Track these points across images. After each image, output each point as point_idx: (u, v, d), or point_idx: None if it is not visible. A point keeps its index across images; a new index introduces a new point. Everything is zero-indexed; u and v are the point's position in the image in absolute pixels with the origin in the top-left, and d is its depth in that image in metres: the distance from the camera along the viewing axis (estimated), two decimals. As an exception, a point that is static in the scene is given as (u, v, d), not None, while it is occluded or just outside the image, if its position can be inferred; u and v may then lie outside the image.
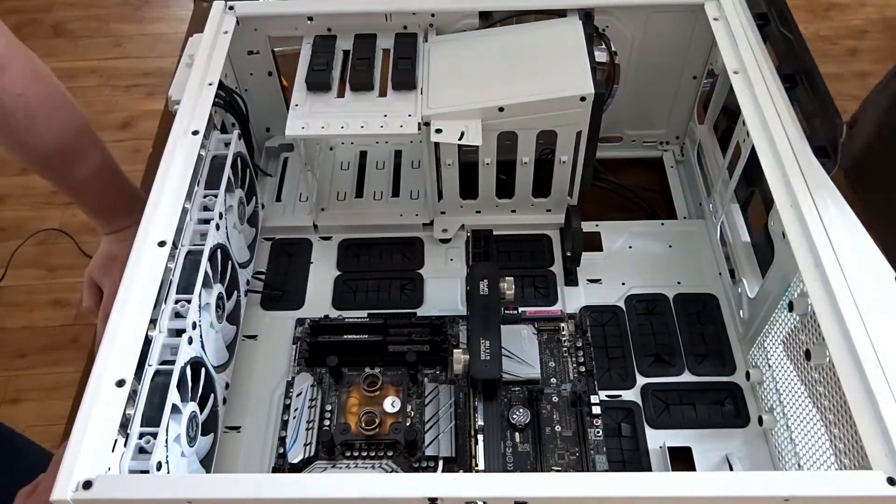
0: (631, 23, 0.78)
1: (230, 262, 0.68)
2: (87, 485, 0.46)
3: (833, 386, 0.52)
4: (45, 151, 0.73)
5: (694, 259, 0.79)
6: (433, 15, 0.78)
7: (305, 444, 0.64)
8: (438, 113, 0.71)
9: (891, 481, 0.44)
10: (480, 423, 0.63)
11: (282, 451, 0.65)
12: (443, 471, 0.62)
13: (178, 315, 0.58)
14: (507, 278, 0.68)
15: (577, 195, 0.80)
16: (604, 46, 0.78)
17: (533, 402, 0.67)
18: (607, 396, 0.69)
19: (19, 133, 0.69)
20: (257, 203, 0.80)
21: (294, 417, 0.66)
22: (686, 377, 0.70)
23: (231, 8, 0.78)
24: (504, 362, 0.64)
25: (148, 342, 0.54)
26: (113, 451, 0.48)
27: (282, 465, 0.64)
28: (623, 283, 0.77)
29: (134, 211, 0.72)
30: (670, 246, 0.80)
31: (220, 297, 0.65)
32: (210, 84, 0.71)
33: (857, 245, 0.55)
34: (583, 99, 0.70)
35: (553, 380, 0.69)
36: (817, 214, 0.57)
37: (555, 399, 0.67)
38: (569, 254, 0.77)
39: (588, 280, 0.77)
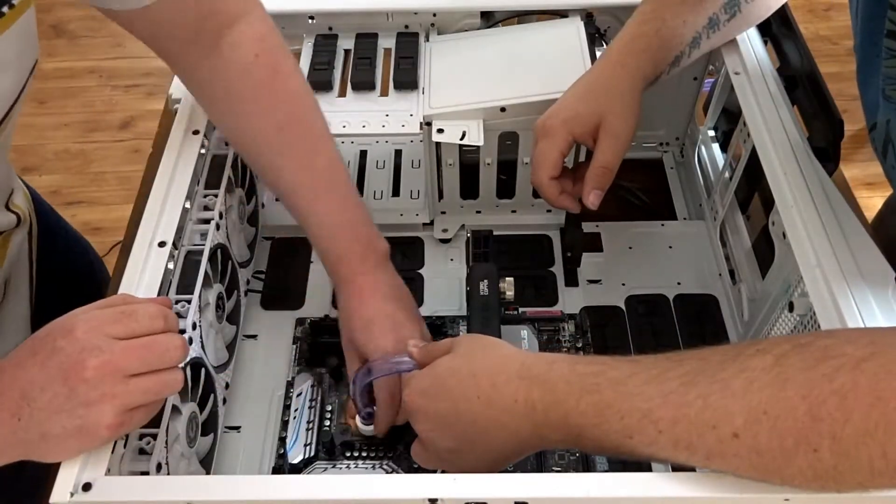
0: (631, 23, 0.78)
1: (230, 262, 0.68)
2: (87, 486, 0.45)
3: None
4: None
5: (694, 260, 0.79)
6: (435, 14, 0.78)
7: (306, 445, 0.64)
8: (440, 113, 0.71)
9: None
10: (480, 423, 0.63)
11: (282, 451, 0.65)
12: (443, 471, 0.62)
13: (178, 315, 0.58)
14: (507, 278, 0.68)
15: (577, 195, 0.80)
16: (604, 47, 0.78)
17: (533, 403, 0.67)
18: (607, 397, 0.69)
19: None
20: (258, 202, 0.79)
21: (294, 418, 0.66)
22: (686, 378, 0.70)
23: (231, 8, 0.78)
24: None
25: (148, 342, 0.54)
26: (112, 452, 0.48)
27: (282, 466, 0.64)
28: (623, 284, 0.77)
29: (367, 258, 0.65)
30: (670, 246, 0.80)
31: (220, 297, 0.65)
32: (210, 84, 0.71)
33: (857, 245, 0.55)
34: (583, 99, 0.70)
35: (553, 380, 0.69)
36: (817, 215, 0.57)
37: (555, 399, 0.67)
38: (569, 254, 0.77)
39: (588, 280, 0.77)
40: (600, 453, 0.46)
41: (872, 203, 1.53)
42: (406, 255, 0.80)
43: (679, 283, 0.76)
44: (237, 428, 0.67)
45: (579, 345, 0.71)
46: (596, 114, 0.64)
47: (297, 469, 0.63)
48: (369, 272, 0.64)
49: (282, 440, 0.65)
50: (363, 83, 0.74)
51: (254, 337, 0.74)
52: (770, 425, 0.40)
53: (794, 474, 0.40)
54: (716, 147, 0.82)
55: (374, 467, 0.63)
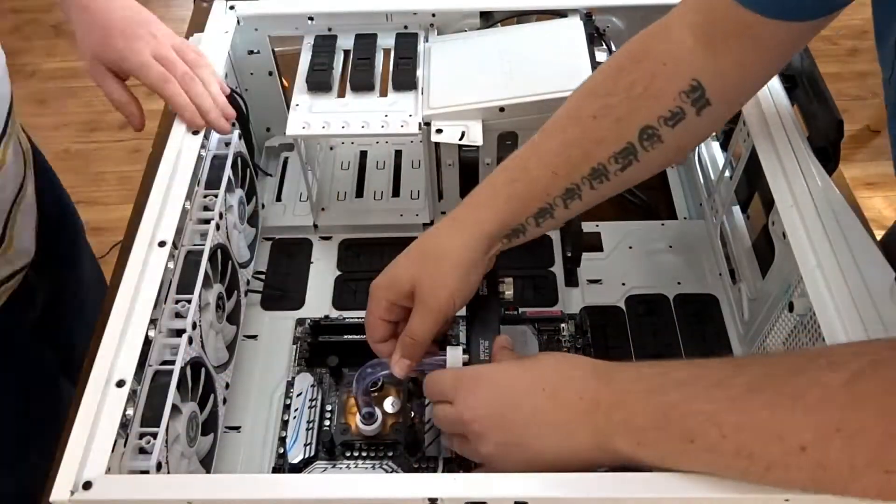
0: (631, 23, 0.78)
1: (230, 262, 0.68)
2: (87, 485, 0.46)
3: (833, 386, 0.52)
4: None
5: (694, 259, 0.79)
6: (434, 15, 0.78)
7: (306, 445, 0.64)
8: (439, 113, 0.71)
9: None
10: (480, 423, 0.63)
11: (282, 451, 0.65)
12: (443, 471, 0.62)
13: (178, 315, 0.58)
14: (507, 279, 0.68)
15: (577, 195, 0.80)
16: (604, 46, 0.78)
17: (533, 403, 0.67)
18: (607, 397, 0.69)
19: None
20: (257, 203, 0.80)
21: (294, 417, 0.66)
22: (686, 377, 0.70)
23: (232, 8, 0.78)
24: (504, 362, 0.64)
25: (148, 342, 0.54)
26: (113, 451, 0.48)
27: (282, 466, 0.64)
28: (623, 284, 0.77)
29: None
30: (670, 246, 0.80)
31: (220, 297, 0.65)
32: (210, 84, 0.71)
33: (857, 245, 0.55)
34: (583, 99, 0.69)
35: (553, 380, 0.69)
36: (817, 215, 0.57)
37: (555, 399, 0.67)
38: (569, 254, 0.77)
39: (588, 280, 0.77)
40: (657, 465, 0.45)
41: (872, 203, 1.53)
42: (406, 255, 0.80)
43: (679, 283, 0.76)
44: (237, 428, 0.67)
45: (579, 345, 0.71)
46: (410, 278, 0.57)
47: (297, 469, 0.63)
48: None
49: (282, 440, 0.65)
50: (362, 84, 0.74)
51: (254, 337, 0.74)
52: (842, 443, 0.39)
53: (857, 491, 0.39)
54: (716, 146, 0.82)
55: (374, 467, 0.63)
